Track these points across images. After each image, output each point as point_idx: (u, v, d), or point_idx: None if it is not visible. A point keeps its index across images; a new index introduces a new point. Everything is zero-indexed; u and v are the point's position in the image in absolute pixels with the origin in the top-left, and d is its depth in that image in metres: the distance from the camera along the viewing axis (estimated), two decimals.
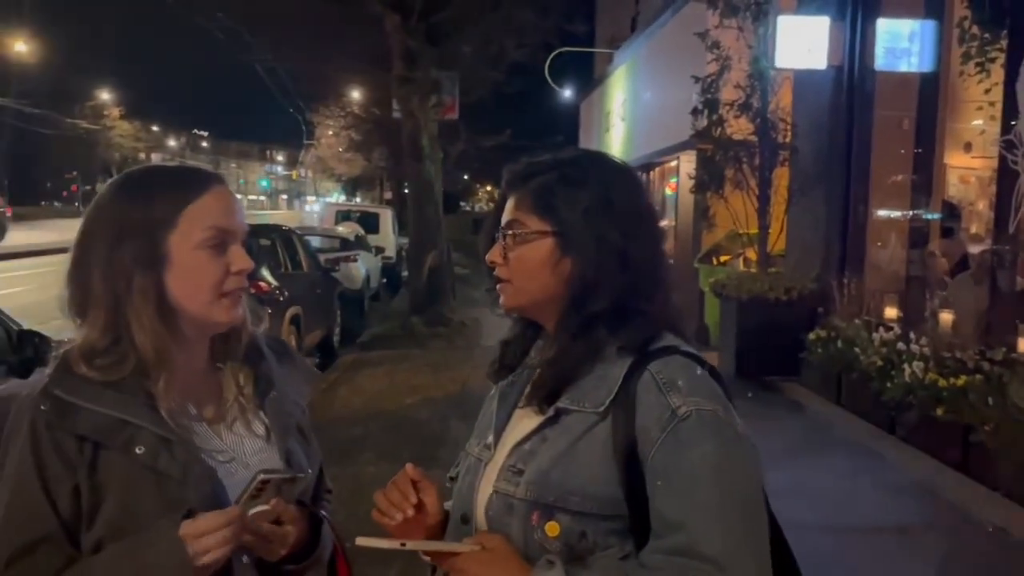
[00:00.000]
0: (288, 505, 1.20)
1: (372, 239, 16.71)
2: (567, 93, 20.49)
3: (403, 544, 1.14)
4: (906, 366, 5.72)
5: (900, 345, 5.97)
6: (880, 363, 6.07)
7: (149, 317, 1.18)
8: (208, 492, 1.18)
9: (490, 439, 1.25)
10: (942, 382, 5.27)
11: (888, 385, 5.84)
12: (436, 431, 6.02)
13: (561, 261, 1.18)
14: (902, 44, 7.15)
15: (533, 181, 1.22)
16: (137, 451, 1.15)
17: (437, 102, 13.06)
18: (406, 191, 16.91)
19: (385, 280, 17.04)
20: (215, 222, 1.21)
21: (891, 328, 6.45)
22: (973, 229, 8.01)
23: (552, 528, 1.11)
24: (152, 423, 1.16)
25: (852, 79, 7.49)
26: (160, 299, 1.19)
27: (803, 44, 7.50)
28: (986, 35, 5.72)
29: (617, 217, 1.18)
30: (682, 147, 10.64)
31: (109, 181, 1.27)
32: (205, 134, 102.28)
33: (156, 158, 62.97)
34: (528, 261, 1.20)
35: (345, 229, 15.85)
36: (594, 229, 1.17)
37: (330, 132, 39.42)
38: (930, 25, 7.01)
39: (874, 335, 6.42)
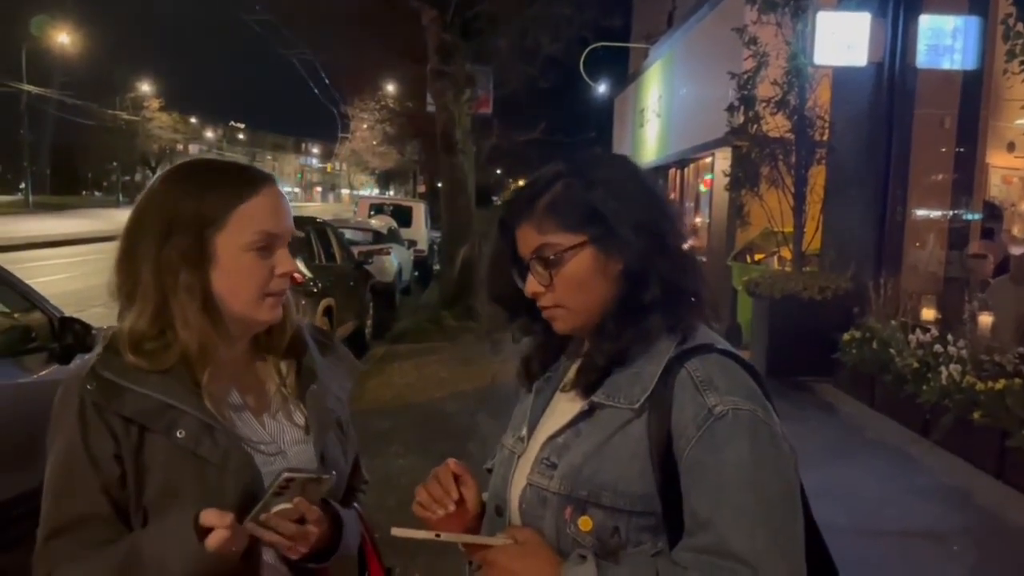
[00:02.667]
0: (312, 505, 1.20)
1: (405, 232, 16.77)
2: (601, 88, 20.41)
3: (438, 535, 1.15)
4: (943, 369, 5.63)
5: (937, 347, 5.88)
6: (916, 365, 5.98)
7: (194, 314, 1.20)
8: (246, 480, 1.21)
9: (524, 432, 1.25)
10: (979, 386, 5.18)
11: (924, 388, 5.75)
12: (465, 424, 6.04)
13: (608, 264, 1.16)
14: (945, 41, 7.02)
15: (541, 202, 1.18)
16: (179, 435, 1.17)
17: (471, 96, 13.10)
18: (439, 185, 16.99)
19: (417, 274, 17.11)
20: (264, 226, 1.23)
21: (928, 330, 6.35)
22: (1015, 231, 7.86)
23: (585, 523, 1.12)
24: (195, 408, 1.19)
25: (893, 76, 7.36)
26: (205, 296, 1.21)
27: (843, 41, 7.39)
28: None
29: (637, 202, 1.17)
30: (717, 144, 10.55)
31: (161, 172, 1.28)
32: (242, 126, 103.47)
33: (194, 149, 63.85)
34: (577, 277, 1.16)
35: (378, 222, 15.93)
36: (623, 221, 1.15)
37: (364, 126, 39.63)
38: (974, 22, 6.87)
39: (910, 337, 6.33)
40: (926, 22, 7.04)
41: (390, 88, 30.36)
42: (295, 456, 1.27)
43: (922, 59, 7.09)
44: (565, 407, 1.21)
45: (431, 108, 14.18)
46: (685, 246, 1.21)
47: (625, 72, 20.48)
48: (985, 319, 6.06)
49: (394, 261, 13.59)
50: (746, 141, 8.40)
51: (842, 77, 8.01)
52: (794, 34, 7.85)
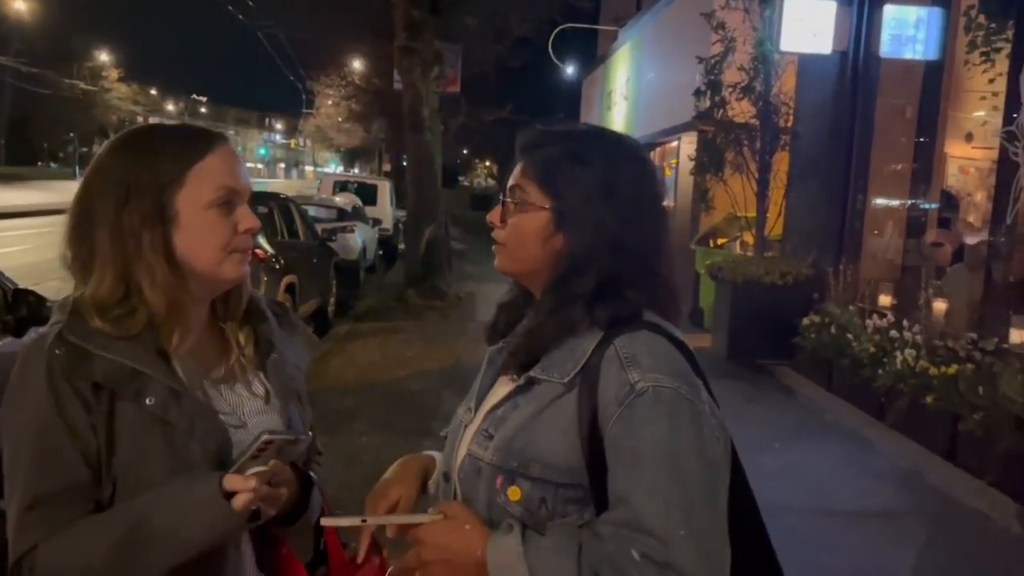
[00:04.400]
0: (284, 467, 1.22)
1: (370, 211, 16.64)
2: (570, 70, 20.34)
3: (364, 520, 1.16)
4: (898, 354, 5.75)
5: (893, 333, 6.01)
6: (872, 350, 6.10)
7: (162, 272, 1.19)
8: (213, 448, 1.20)
9: (472, 403, 1.28)
10: (933, 370, 5.30)
11: (879, 372, 5.88)
12: (429, 403, 6.05)
13: (553, 237, 1.19)
14: (908, 31, 7.11)
15: (541, 151, 1.22)
16: (148, 401, 1.16)
17: (439, 74, 12.97)
18: (404, 163, 16.84)
19: (381, 252, 17.00)
20: (223, 181, 1.23)
21: (885, 316, 6.47)
22: (970, 219, 8.02)
23: (514, 493, 1.13)
24: (163, 374, 1.18)
25: (857, 65, 7.45)
26: (169, 256, 1.21)
27: (809, 28, 7.45)
28: (992, 25, 5.70)
29: (617, 203, 1.18)
30: (683, 128, 10.60)
31: (109, 140, 1.27)
32: (204, 99, 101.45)
33: (154, 122, 62.44)
34: (523, 229, 1.21)
35: (343, 200, 15.78)
36: (591, 212, 1.17)
37: (330, 102, 39.17)
38: (937, 13, 6.96)
39: (867, 322, 6.45)
40: (890, 12, 7.12)
41: (357, 65, 29.99)
42: (257, 426, 1.27)
43: (885, 49, 7.18)
44: (505, 383, 1.23)
45: (398, 86, 14.00)
46: (651, 260, 1.21)
47: (594, 54, 20.44)
48: (940, 306, 6.20)
49: (358, 239, 13.49)
50: (712, 126, 8.46)
51: (807, 64, 8.09)
52: (761, 20, 7.90)
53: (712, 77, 8.21)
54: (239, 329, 1.34)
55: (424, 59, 12.22)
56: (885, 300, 6.98)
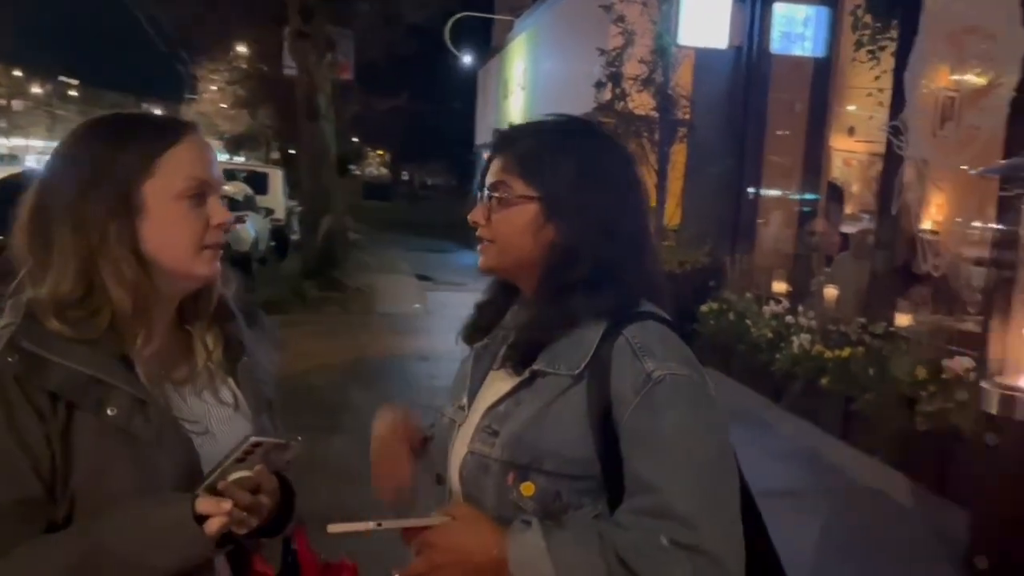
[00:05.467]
0: (270, 474, 1.13)
1: (261, 200, 16.08)
2: (467, 59, 20.29)
3: (379, 524, 1.11)
4: (794, 338, 6.00)
5: (788, 318, 6.26)
6: (770, 335, 6.34)
7: (129, 266, 1.11)
8: (182, 460, 1.12)
9: (464, 401, 1.27)
10: (828, 354, 5.56)
11: (776, 356, 6.12)
12: (334, 399, 5.89)
13: (544, 227, 1.19)
14: (797, 29, 7.41)
15: (520, 145, 1.22)
16: (109, 412, 1.07)
17: (332, 61, 12.69)
18: (292, 152, 16.39)
19: (274, 243, 16.48)
20: (195, 172, 1.16)
21: (780, 302, 6.74)
22: (853, 209, 8.45)
23: (527, 488, 1.13)
24: (126, 383, 1.09)
25: (750, 60, 7.72)
26: (137, 251, 1.13)
27: (706, 23, 7.66)
28: (878, 24, 5.99)
29: (602, 187, 1.19)
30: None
31: (71, 130, 1.18)
32: (75, 83, 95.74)
33: (18, 105, 58.51)
34: (511, 224, 1.20)
35: (233, 188, 15.20)
36: (578, 198, 1.18)
37: (214, 87, 37.78)
38: (824, 12, 7.28)
39: (764, 308, 6.70)
40: (780, 9, 7.41)
41: (242, 49, 28.97)
42: (226, 435, 1.18)
43: (776, 45, 7.47)
44: (504, 378, 1.21)
45: (289, 71, 13.64)
46: (641, 243, 1.23)
47: (490, 43, 20.46)
48: (830, 292, 6.50)
49: (250, 230, 13.00)
50: (612, 118, 8.58)
51: (704, 59, 8.31)
52: (659, 13, 8.06)
53: (613, 69, 8.32)
54: (207, 331, 1.25)
55: (317, 45, 11.92)
56: (780, 287, 7.26)
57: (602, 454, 1.12)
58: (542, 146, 1.20)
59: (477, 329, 1.32)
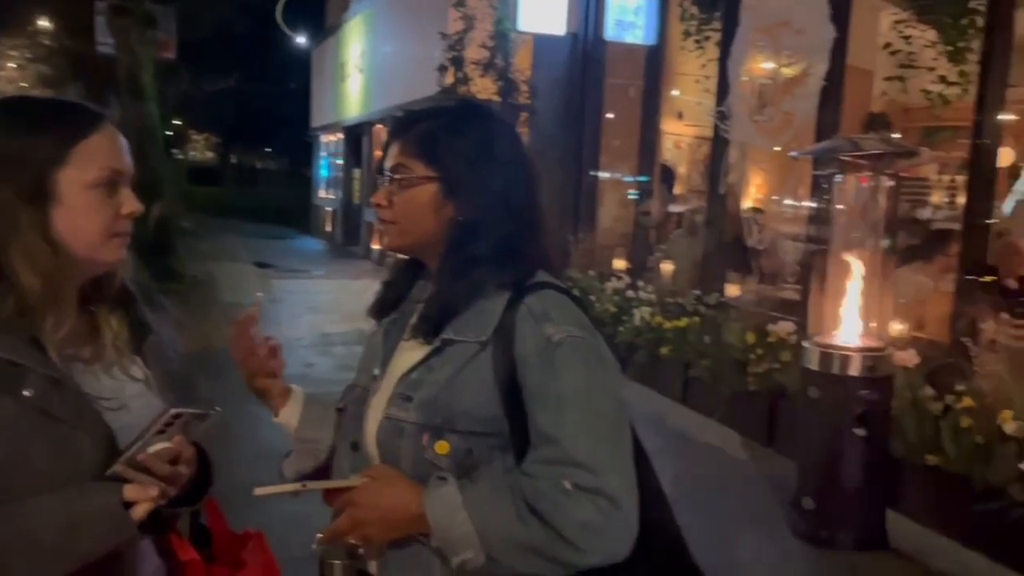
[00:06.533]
0: (189, 445, 1.17)
1: None
2: (301, 39, 19.69)
3: (304, 485, 1.18)
4: (635, 312, 6.37)
5: (629, 293, 6.63)
6: (613, 310, 6.69)
7: (41, 251, 1.12)
8: (100, 435, 1.14)
9: (377, 371, 1.34)
10: (666, 324, 5.95)
11: (620, 329, 6.47)
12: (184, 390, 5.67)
13: (444, 205, 1.26)
14: (629, 17, 7.77)
15: (417, 128, 1.28)
16: (26, 393, 1.08)
17: (152, 38, 12.00)
18: None
19: None
20: (109, 162, 1.19)
21: (621, 278, 7.11)
22: (683, 189, 9.01)
23: (442, 447, 1.21)
24: (39, 364, 1.10)
25: (587, 47, 8.02)
26: (47, 237, 1.14)
27: (544, 9, 7.89)
28: (703, 15, 6.43)
29: (499, 165, 1.27)
30: (425, 103, 10.67)
31: None
32: None
33: None
34: (412, 204, 1.27)
35: None
36: (476, 176, 1.26)
37: (12, 64, 34.55)
38: (654, 1, 7.68)
39: (606, 284, 7.05)
40: None
41: (45, 23, 26.66)
42: (138, 411, 1.20)
43: (610, 32, 7.81)
44: (415, 348, 1.29)
45: (104, 48, 12.81)
46: (537, 217, 1.32)
47: (324, 23, 19.93)
48: (667, 267, 6.94)
49: None
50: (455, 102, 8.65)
51: (542, 44, 8.54)
52: None
53: (455, 53, 8.39)
54: (110, 313, 1.26)
55: (137, 20, 11.24)
56: (620, 264, 7.65)
57: (509, 412, 1.21)
58: (439, 128, 1.27)
59: (385, 305, 1.39)
